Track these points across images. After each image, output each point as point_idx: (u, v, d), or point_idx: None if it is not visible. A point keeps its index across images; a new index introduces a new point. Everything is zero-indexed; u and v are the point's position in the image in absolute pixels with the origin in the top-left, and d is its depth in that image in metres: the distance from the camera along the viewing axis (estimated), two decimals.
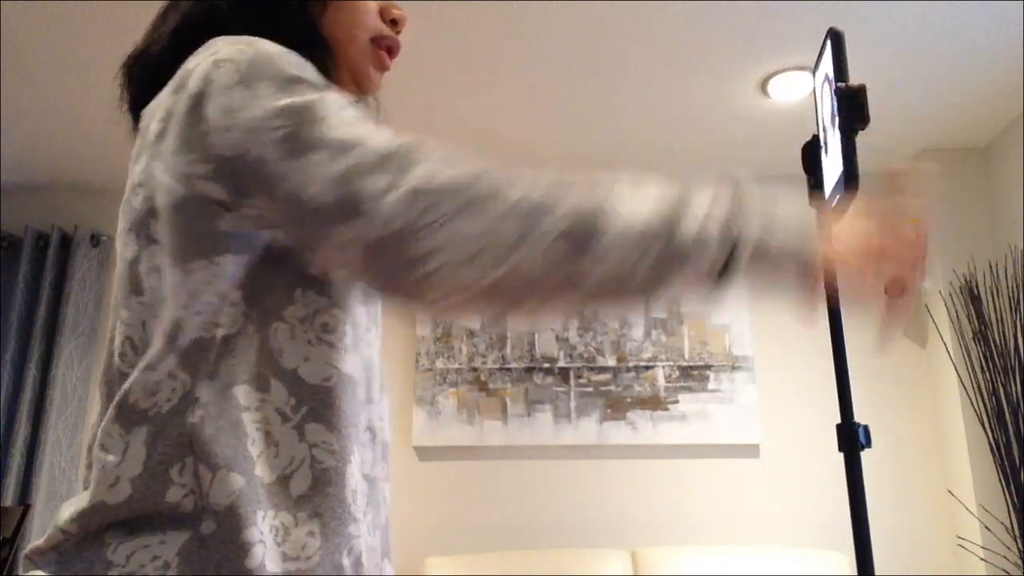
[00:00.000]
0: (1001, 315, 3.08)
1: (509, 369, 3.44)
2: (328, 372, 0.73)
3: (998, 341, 3.03)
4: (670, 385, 3.39)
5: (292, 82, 0.72)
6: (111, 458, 0.68)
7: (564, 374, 3.43)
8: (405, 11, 0.95)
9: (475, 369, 3.44)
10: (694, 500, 3.30)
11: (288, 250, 0.73)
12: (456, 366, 3.45)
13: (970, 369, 3.13)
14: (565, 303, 0.70)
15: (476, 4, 2.53)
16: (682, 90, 3.00)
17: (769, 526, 3.26)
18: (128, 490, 0.67)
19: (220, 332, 0.71)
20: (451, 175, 0.68)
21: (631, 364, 3.42)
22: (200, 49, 0.77)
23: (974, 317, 3.12)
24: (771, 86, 2.95)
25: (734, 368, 3.39)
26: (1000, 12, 2.56)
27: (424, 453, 3.40)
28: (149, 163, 0.76)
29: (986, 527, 3.00)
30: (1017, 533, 2.84)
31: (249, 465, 0.68)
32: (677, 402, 3.37)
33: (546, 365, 3.44)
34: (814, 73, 1.37)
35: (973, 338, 3.13)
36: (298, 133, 0.69)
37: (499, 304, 0.70)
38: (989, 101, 3.07)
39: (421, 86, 2.97)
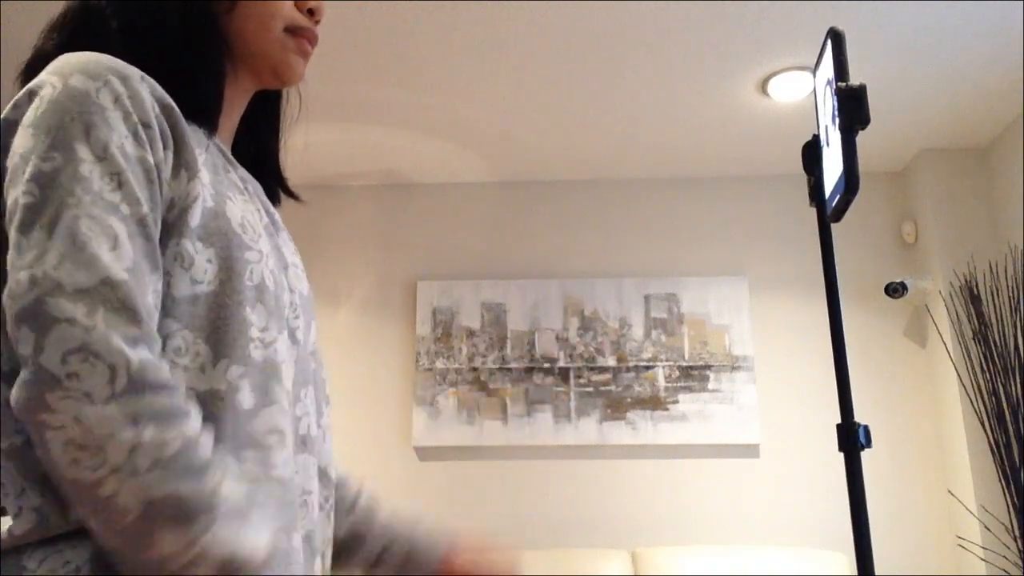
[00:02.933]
0: (1001, 315, 3.08)
1: (509, 369, 3.44)
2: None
3: (998, 341, 3.03)
4: (670, 385, 3.39)
5: (69, 140, 0.71)
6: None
7: (564, 374, 3.43)
8: (323, 0, 0.93)
9: (475, 369, 3.44)
10: (694, 500, 3.30)
11: None
12: (456, 366, 3.45)
13: (970, 369, 3.13)
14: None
15: (476, 4, 2.53)
16: (682, 90, 3.00)
17: (769, 526, 3.26)
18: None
19: None
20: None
21: (631, 364, 3.42)
22: (48, 67, 0.76)
23: (974, 317, 3.12)
24: (771, 86, 2.95)
25: (734, 368, 3.39)
26: (1000, 12, 2.56)
27: (424, 453, 3.39)
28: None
29: (986, 527, 3.00)
30: (1017, 533, 2.84)
31: None
32: (677, 402, 3.37)
33: (546, 365, 3.44)
34: (814, 73, 1.37)
35: (973, 338, 3.13)
36: (33, 209, 0.69)
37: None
38: (989, 101, 3.07)
39: (421, 85, 2.97)
